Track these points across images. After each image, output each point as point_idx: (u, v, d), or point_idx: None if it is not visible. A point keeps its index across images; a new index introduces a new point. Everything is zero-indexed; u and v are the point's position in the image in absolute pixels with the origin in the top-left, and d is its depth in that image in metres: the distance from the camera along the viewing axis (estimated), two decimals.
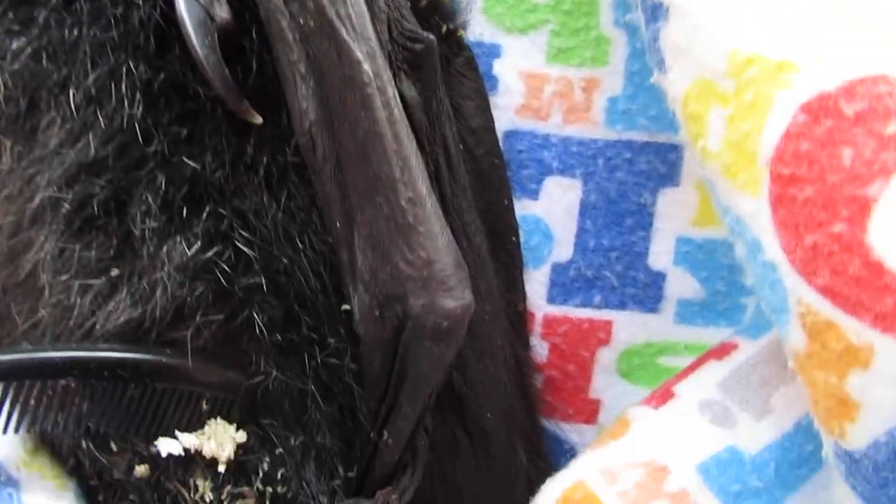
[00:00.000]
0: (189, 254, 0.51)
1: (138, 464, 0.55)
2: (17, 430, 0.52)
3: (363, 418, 0.54)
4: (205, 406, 0.55)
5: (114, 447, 0.55)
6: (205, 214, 0.52)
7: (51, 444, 0.57)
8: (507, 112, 0.63)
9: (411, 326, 0.49)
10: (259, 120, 0.52)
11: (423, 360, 0.50)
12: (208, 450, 0.53)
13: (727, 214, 0.50)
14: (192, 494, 0.55)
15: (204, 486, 0.55)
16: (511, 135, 0.64)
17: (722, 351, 0.58)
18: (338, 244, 0.51)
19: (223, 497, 0.55)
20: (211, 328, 0.53)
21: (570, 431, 0.67)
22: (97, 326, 0.53)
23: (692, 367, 0.59)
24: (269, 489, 0.55)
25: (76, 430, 0.53)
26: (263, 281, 0.52)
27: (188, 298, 0.52)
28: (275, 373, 0.53)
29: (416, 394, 0.51)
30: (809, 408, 0.48)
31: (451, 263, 0.49)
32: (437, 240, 0.49)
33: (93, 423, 0.53)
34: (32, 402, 0.52)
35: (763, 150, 0.46)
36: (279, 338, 0.53)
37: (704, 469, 0.54)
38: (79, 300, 0.53)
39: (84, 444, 0.55)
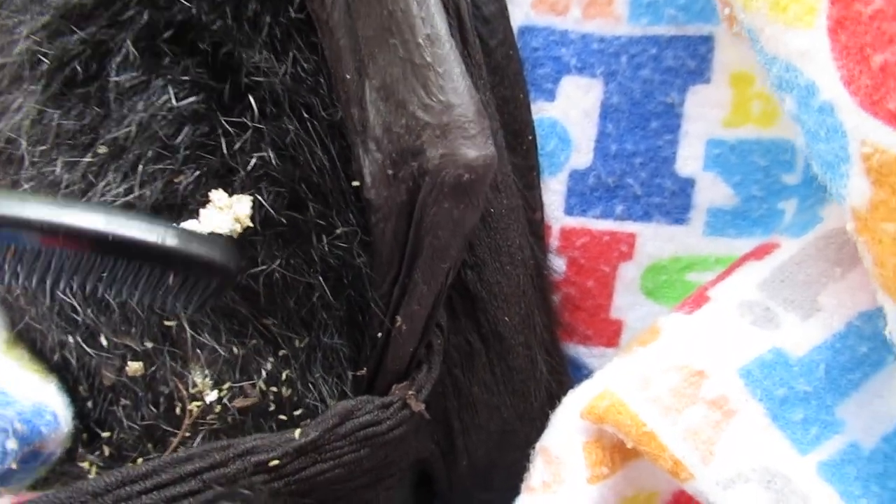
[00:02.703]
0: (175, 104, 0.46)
1: (132, 360, 0.50)
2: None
3: (374, 305, 0.49)
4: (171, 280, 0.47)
5: (104, 342, 0.50)
6: (196, 61, 0.46)
7: (31, 342, 0.52)
8: (521, 6, 0.58)
9: (428, 183, 0.44)
10: None
11: (440, 226, 0.45)
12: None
13: (773, 66, 0.44)
14: (189, 390, 0.50)
15: (203, 383, 0.50)
16: (526, 31, 0.59)
17: (762, 251, 0.53)
18: (347, 102, 0.46)
19: (222, 394, 0.50)
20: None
21: (590, 356, 0.61)
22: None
23: (728, 271, 0.54)
24: (273, 390, 0.50)
25: (63, 285, 0.46)
26: (271, 155, 0.47)
27: (185, 180, 0.47)
28: (279, 261, 0.48)
29: (433, 269, 0.46)
30: (872, 276, 0.43)
31: (472, 108, 0.44)
32: (457, 82, 0.44)
33: (81, 282, 0.46)
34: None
35: None
36: (284, 220, 0.48)
37: (746, 373, 0.48)
38: (66, 175, 0.47)
39: (72, 339, 0.50)
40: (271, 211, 0.47)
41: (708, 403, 0.48)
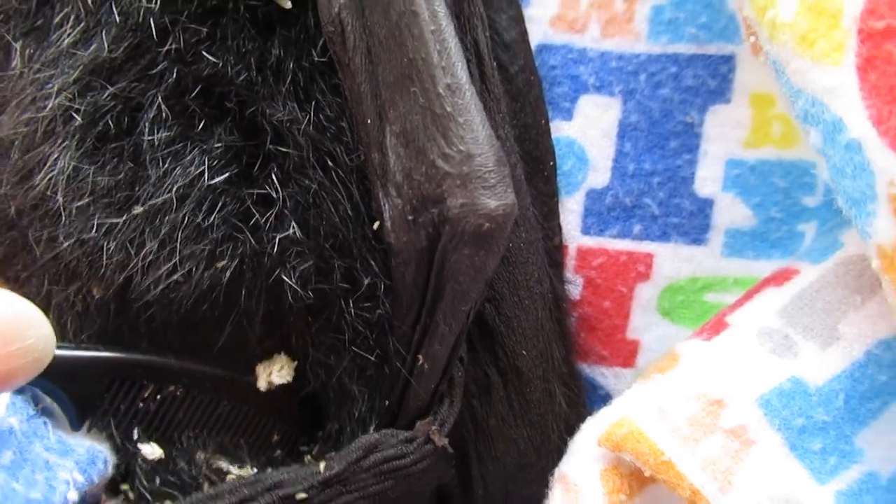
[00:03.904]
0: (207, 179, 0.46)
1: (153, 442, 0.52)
2: (127, 433, 0.52)
3: (394, 348, 0.49)
4: (276, 437, 0.55)
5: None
6: (226, 125, 0.47)
7: None
8: (539, 24, 0.58)
9: (449, 231, 0.44)
10: (288, 4, 0.47)
11: (461, 272, 0.45)
12: None
13: (799, 99, 0.44)
14: (217, 476, 0.52)
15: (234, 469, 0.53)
16: (543, 49, 0.58)
17: (781, 277, 0.53)
18: (368, 146, 0.46)
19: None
20: (256, 303, 0.49)
21: (605, 375, 0.61)
22: (134, 282, 0.48)
23: (748, 296, 0.53)
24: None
25: (170, 435, 0.53)
26: (296, 229, 0.47)
27: (225, 266, 0.47)
28: (308, 344, 0.50)
29: (454, 312, 0.46)
30: None
31: (492, 158, 0.44)
32: (477, 132, 0.43)
33: (183, 431, 0.53)
34: (140, 403, 0.52)
35: (849, 7, 0.41)
36: (311, 294, 0.48)
37: (765, 402, 0.48)
38: (104, 242, 0.48)
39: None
40: (298, 290, 0.48)
41: (726, 433, 0.48)
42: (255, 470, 0.53)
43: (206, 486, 0.51)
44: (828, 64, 0.42)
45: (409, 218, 0.45)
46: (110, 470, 0.52)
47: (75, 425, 0.51)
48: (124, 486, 0.52)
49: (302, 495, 0.48)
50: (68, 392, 0.50)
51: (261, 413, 0.55)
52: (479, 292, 0.46)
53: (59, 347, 0.46)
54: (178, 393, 0.53)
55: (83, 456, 0.51)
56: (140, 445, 0.51)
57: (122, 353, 0.52)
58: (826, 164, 0.44)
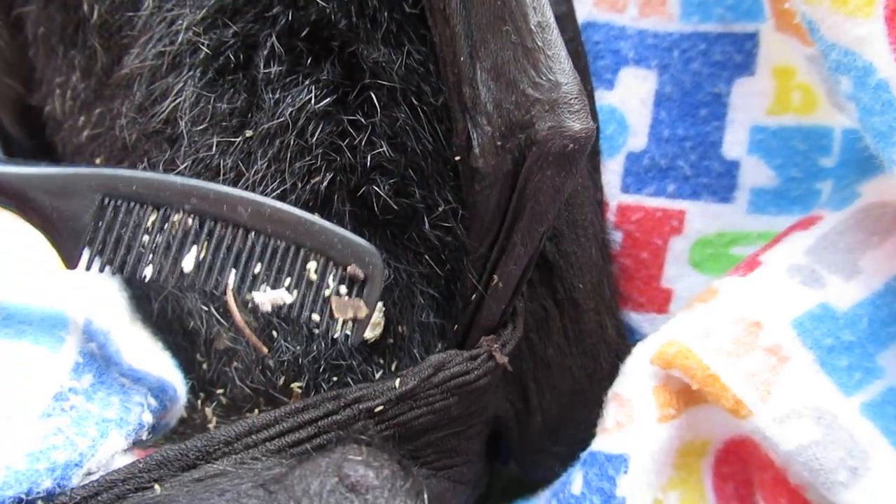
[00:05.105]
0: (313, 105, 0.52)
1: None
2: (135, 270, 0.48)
3: (469, 271, 0.54)
4: (314, 273, 0.51)
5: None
6: (332, 61, 0.53)
7: (162, 308, 0.57)
8: (584, 4, 0.65)
9: (535, 153, 0.49)
10: None
11: (542, 192, 0.50)
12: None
13: (832, 51, 0.51)
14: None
15: None
16: (588, 26, 0.65)
17: (806, 222, 0.59)
18: (458, 83, 0.51)
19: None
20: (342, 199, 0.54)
21: (642, 321, 0.67)
22: None
23: (777, 240, 0.60)
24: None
25: (185, 279, 0.49)
26: (386, 148, 0.53)
27: (321, 180, 0.53)
28: (386, 251, 0.54)
29: (531, 232, 0.51)
30: None
31: (576, 87, 0.50)
32: (564, 63, 0.49)
33: (206, 275, 0.49)
34: (145, 236, 0.49)
35: None
36: (394, 206, 0.54)
37: (798, 324, 0.55)
38: (220, 160, 0.53)
39: (207, 309, 0.55)
40: (389, 200, 0.54)
41: (765, 350, 0.54)
42: (295, 293, 0.50)
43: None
44: (860, 16, 0.49)
45: (498, 144, 0.51)
46: (181, 398, 0.56)
47: (71, 258, 0.48)
48: (219, 391, 0.56)
49: (380, 408, 0.53)
50: (56, 214, 0.47)
51: (298, 248, 0.49)
52: (554, 214, 0.52)
53: (38, 165, 0.47)
54: (190, 221, 0.48)
55: (154, 383, 0.54)
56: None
57: (111, 169, 0.49)
58: (856, 106, 0.51)
